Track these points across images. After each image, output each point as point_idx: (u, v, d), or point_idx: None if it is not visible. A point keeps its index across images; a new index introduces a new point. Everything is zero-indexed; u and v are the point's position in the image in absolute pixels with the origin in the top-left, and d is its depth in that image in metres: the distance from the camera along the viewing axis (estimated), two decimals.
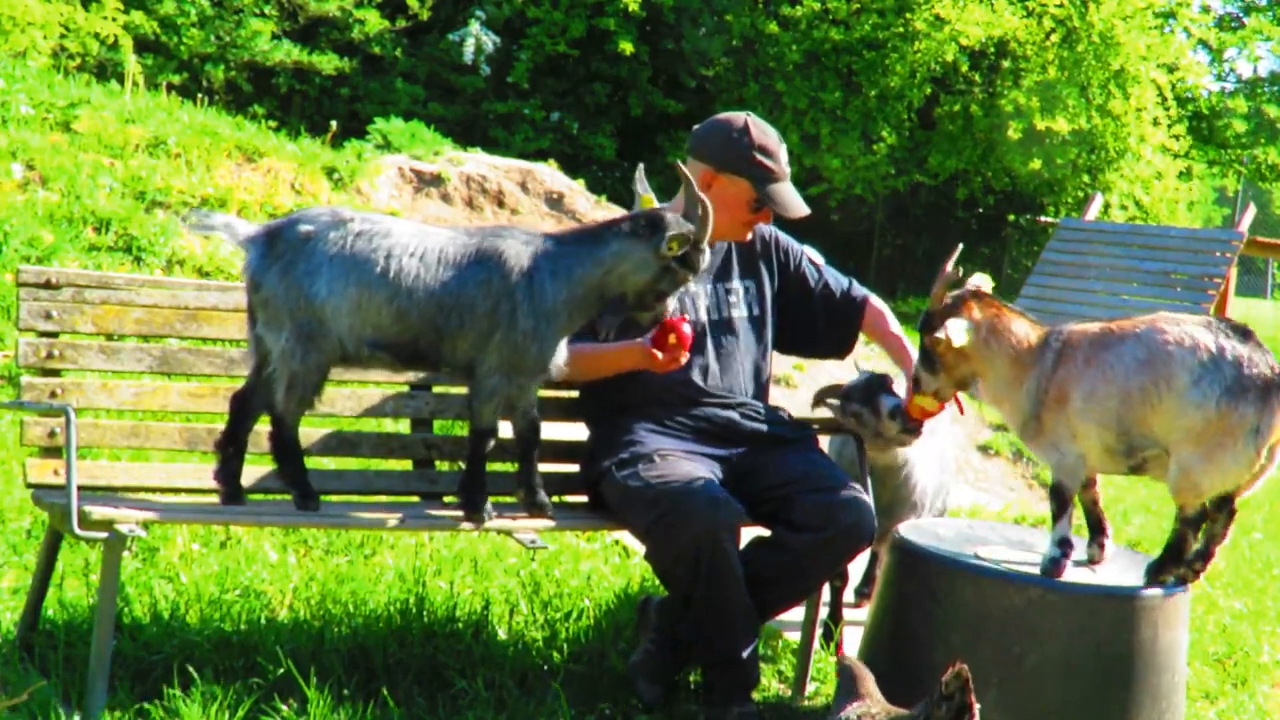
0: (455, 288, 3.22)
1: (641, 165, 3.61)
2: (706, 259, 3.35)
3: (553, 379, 3.41)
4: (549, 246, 3.31)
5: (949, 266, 3.37)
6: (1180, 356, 3.14)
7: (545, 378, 3.37)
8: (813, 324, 3.92)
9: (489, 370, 3.29)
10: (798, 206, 3.69)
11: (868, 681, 2.82)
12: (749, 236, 3.79)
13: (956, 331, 3.32)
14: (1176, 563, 3.31)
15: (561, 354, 3.35)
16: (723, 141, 3.67)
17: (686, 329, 3.47)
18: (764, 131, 3.68)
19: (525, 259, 3.26)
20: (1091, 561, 3.45)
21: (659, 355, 3.47)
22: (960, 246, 3.54)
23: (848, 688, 2.81)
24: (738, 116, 3.71)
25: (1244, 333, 3.18)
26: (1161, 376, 3.15)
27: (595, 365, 3.62)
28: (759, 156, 3.64)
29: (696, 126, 3.79)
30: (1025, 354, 3.35)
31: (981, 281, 3.47)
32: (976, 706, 2.58)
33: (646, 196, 3.41)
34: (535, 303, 3.25)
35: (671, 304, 3.38)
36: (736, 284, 3.80)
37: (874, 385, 3.92)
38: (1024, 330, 3.37)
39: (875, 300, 3.97)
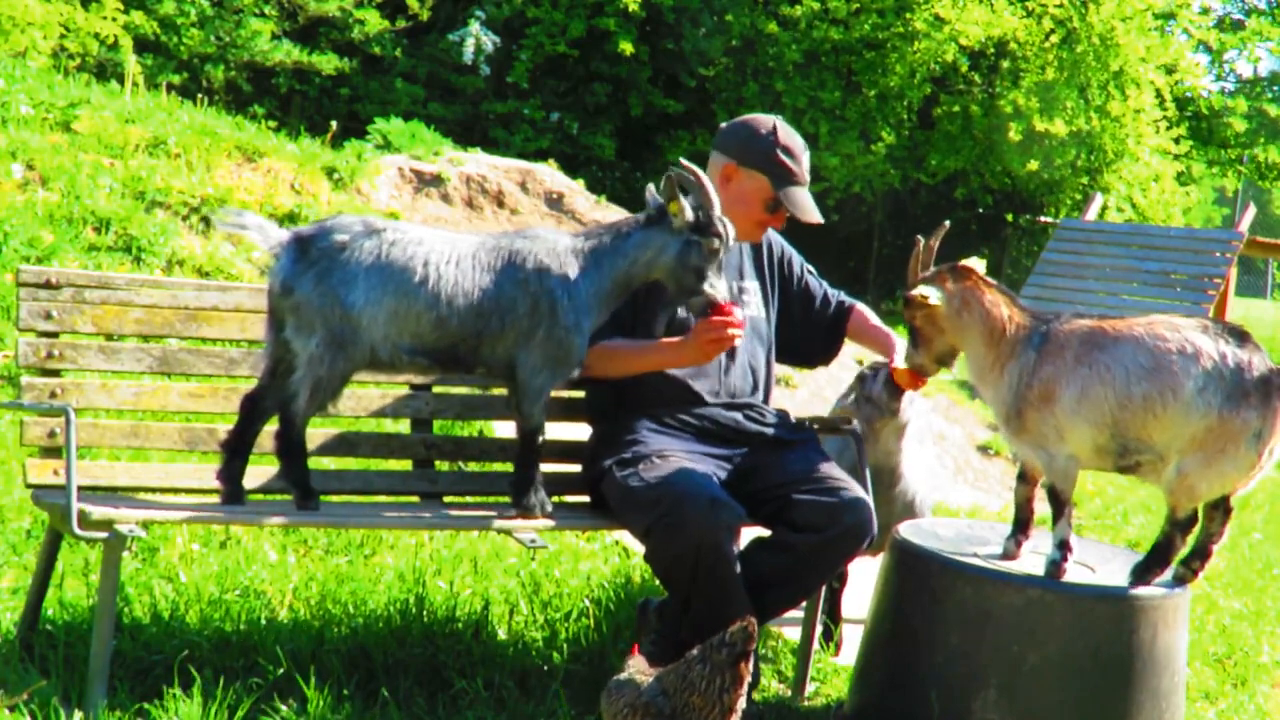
0: (494, 291, 3.28)
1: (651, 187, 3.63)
2: (729, 231, 3.37)
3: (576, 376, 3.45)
4: (578, 244, 3.39)
5: (932, 241, 3.36)
6: (1184, 365, 3.12)
7: (577, 372, 3.42)
8: (813, 332, 3.97)
9: (534, 369, 3.33)
10: (812, 211, 3.73)
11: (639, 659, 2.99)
12: (761, 237, 3.81)
13: (929, 291, 3.33)
14: (1162, 564, 3.29)
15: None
16: (749, 136, 3.71)
17: (738, 314, 3.47)
18: (790, 135, 3.73)
19: (558, 257, 3.33)
20: (1006, 556, 3.43)
21: (707, 334, 3.45)
22: (946, 224, 3.55)
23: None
24: (767, 118, 3.76)
25: (1241, 335, 3.17)
26: (1167, 385, 3.12)
27: (631, 362, 3.63)
28: (781, 156, 3.67)
29: (725, 124, 3.85)
30: (1003, 337, 3.31)
31: (971, 263, 3.45)
32: (751, 658, 2.76)
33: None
34: (574, 298, 3.31)
35: (720, 286, 3.38)
36: (747, 283, 3.82)
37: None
38: (1003, 311, 3.33)
39: (858, 304, 4.03)
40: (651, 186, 3.48)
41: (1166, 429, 3.15)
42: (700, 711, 2.75)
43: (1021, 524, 3.44)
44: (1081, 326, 3.28)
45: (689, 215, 3.34)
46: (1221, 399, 3.09)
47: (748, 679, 2.78)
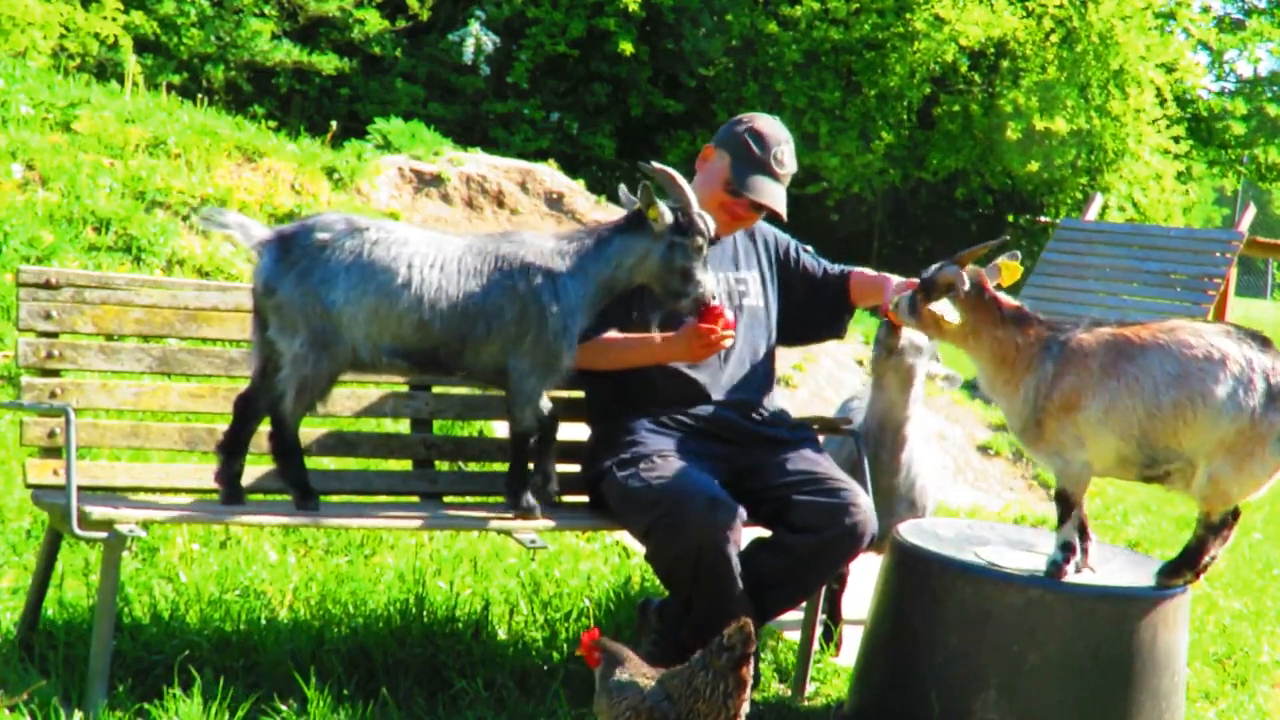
0: (480, 296, 3.26)
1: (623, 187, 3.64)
2: (710, 224, 3.39)
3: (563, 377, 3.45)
4: (563, 247, 3.37)
5: (980, 249, 3.32)
6: (1212, 370, 3.13)
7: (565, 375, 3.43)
8: (821, 305, 3.96)
9: (525, 374, 3.32)
10: (774, 199, 3.70)
11: (631, 656, 2.98)
12: (729, 226, 3.77)
13: (947, 310, 3.32)
14: (1192, 567, 3.31)
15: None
16: (733, 122, 3.80)
17: (730, 315, 3.50)
18: (772, 127, 3.75)
19: (545, 262, 3.32)
20: (1077, 570, 3.43)
21: (698, 339, 3.48)
22: (1007, 238, 3.56)
23: (613, 661, 2.96)
24: (763, 115, 3.82)
25: (1263, 341, 3.20)
26: (1197, 392, 3.13)
27: (624, 356, 3.63)
28: (747, 138, 3.70)
29: None
30: (1016, 358, 3.30)
31: (1003, 266, 3.40)
32: (751, 661, 2.76)
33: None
34: (561, 303, 3.30)
35: (708, 283, 3.39)
36: (745, 274, 3.81)
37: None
38: (1014, 340, 3.30)
39: (854, 267, 4.01)
40: (624, 188, 3.49)
41: (1197, 435, 3.16)
42: (705, 718, 2.76)
43: (1080, 534, 3.44)
44: (1104, 335, 3.26)
45: (668, 218, 3.34)
46: (1253, 404, 3.12)
47: (750, 683, 2.79)
